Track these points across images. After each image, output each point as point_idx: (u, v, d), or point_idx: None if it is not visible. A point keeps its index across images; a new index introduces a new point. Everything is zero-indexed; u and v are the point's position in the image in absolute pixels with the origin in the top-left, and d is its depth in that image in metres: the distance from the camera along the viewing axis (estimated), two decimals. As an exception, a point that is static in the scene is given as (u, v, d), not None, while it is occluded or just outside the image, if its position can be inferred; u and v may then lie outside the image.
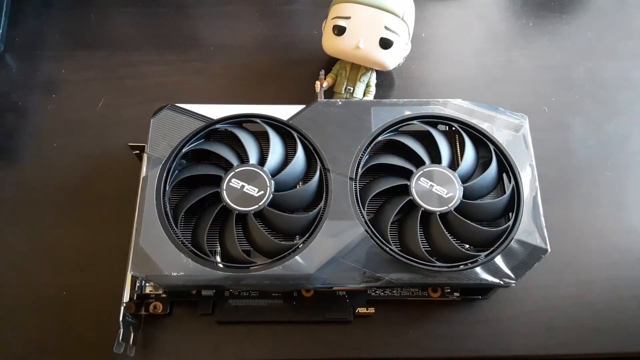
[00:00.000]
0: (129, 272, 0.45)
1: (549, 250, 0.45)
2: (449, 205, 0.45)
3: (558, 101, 0.60)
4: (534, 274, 0.45)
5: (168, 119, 0.48)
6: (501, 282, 0.44)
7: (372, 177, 0.49)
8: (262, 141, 0.49)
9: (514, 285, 0.44)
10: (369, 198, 0.46)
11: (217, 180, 0.46)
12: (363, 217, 0.45)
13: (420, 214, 0.45)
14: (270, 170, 0.47)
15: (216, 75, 0.62)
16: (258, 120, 0.49)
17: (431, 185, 0.46)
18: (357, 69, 0.55)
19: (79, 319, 0.49)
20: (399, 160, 0.48)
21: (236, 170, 0.46)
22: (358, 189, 0.47)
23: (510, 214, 0.46)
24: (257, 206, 0.45)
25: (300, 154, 0.47)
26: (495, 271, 0.44)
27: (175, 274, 0.43)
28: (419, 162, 0.47)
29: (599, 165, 0.57)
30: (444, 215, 0.46)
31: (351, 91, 0.55)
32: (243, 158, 0.48)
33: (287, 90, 0.60)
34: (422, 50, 0.63)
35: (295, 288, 0.48)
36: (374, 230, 0.45)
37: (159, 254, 0.43)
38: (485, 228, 0.45)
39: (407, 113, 0.49)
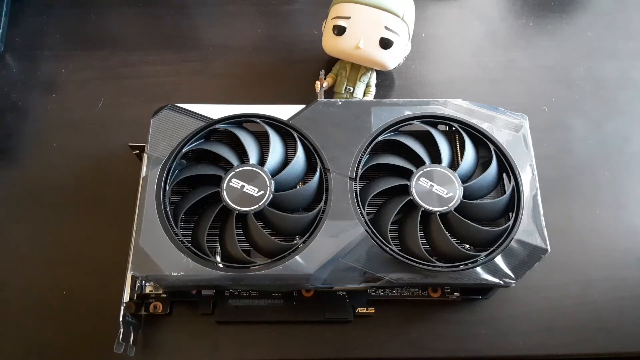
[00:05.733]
0: (129, 272, 0.45)
1: (549, 250, 0.45)
2: (449, 205, 0.45)
3: (558, 101, 0.60)
4: (534, 274, 0.45)
5: (168, 119, 0.48)
6: (501, 282, 0.44)
7: (372, 177, 0.49)
8: (262, 141, 0.49)
9: (514, 285, 0.44)
10: (369, 198, 0.46)
11: (217, 180, 0.46)
12: (363, 217, 0.45)
13: (420, 214, 0.45)
14: (270, 170, 0.47)
15: (216, 75, 0.62)
16: (258, 120, 0.49)
17: (431, 185, 0.46)
18: (357, 69, 0.55)
19: (79, 319, 0.49)
20: (399, 160, 0.48)
21: (236, 170, 0.46)
22: (358, 189, 0.47)
23: (510, 214, 0.46)
24: (257, 206, 0.45)
25: (300, 154, 0.47)
26: (496, 271, 0.44)
27: (175, 274, 0.43)
28: (419, 162, 0.47)
29: (599, 165, 0.57)
30: (444, 215, 0.46)
31: (351, 91, 0.55)
32: (243, 158, 0.48)
33: (287, 90, 0.60)
34: (422, 50, 0.63)
35: (295, 288, 0.48)
36: (374, 230, 0.45)
37: (159, 254, 0.43)
38: (485, 228, 0.45)
39: (407, 113, 0.49)
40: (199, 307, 0.48)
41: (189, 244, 0.45)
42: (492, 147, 0.48)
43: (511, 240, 0.44)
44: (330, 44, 0.54)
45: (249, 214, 0.45)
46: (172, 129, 0.48)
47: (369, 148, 0.48)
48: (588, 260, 0.52)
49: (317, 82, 0.54)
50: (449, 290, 0.49)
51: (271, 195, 0.46)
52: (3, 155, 0.57)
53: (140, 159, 0.51)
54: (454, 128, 0.50)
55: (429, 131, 0.49)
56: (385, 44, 0.52)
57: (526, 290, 0.50)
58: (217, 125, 0.48)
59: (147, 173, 0.46)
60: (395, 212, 0.45)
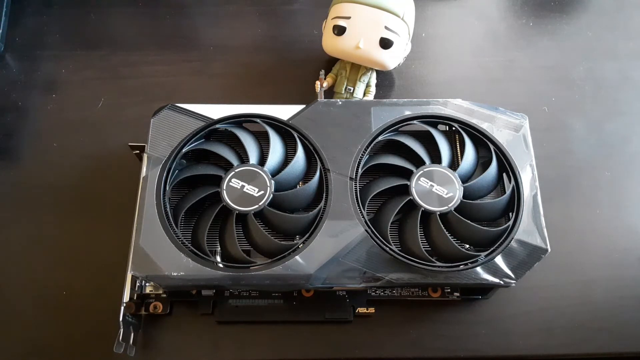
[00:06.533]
0: (129, 272, 0.45)
1: (549, 250, 0.45)
2: (449, 205, 0.45)
3: (558, 101, 0.60)
4: (534, 274, 0.45)
5: (168, 119, 0.48)
6: (501, 282, 0.44)
7: (372, 177, 0.49)
8: (262, 141, 0.49)
9: (514, 285, 0.44)
10: (369, 198, 0.46)
11: (217, 180, 0.46)
12: (363, 217, 0.45)
13: (420, 213, 0.45)
14: (270, 170, 0.47)
15: (216, 75, 0.62)
16: (258, 120, 0.49)
17: (431, 185, 0.46)
18: (357, 69, 0.55)
19: (79, 319, 0.49)
20: (399, 160, 0.48)
21: (236, 170, 0.46)
22: (358, 189, 0.47)
23: (510, 214, 0.46)
24: (257, 206, 0.45)
25: (300, 154, 0.47)
26: (495, 271, 0.44)
27: (175, 274, 0.43)
28: (419, 162, 0.47)
29: (599, 165, 0.57)
30: (444, 215, 0.46)
31: (351, 91, 0.55)
32: (243, 158, 0.48)
33: (287, 90, 0.60)
34: (422, 50, 0.63)
35: (295, 288, 0.48)
36: (374, 230, 0.45)
37: (159, 254, 0.43)
38: (485, 228, 0.45)
39: (407, 113, 0.49)
40: (199, 307, 0.48)
41: (189, 244, 0.45)
42: (492, 147, 0.48)
43: (511, 240, 0.44)
44: (330, 44, 0.54)
45: (249, 214, 0.45)
46: (172, 129, 0.48)
47: (369, 148, 0.48)
48: (588, 260, 0.52)
49: (317, 82, 0.54)
50: (449, 290, 0.49)
51: (271, 195, 0.46)
52: (3, 155, 0.57)
53: (140, 159, 0.51)
54: (454, 128, 0.50)
55: (429, 131, 0.49)
56: (385, 44, 0.52)
57: (526, 290, 0.50)
58: (217, 125, 0.48)
59: (147, 173, 0.46)
60: (395, 212, 0.45)
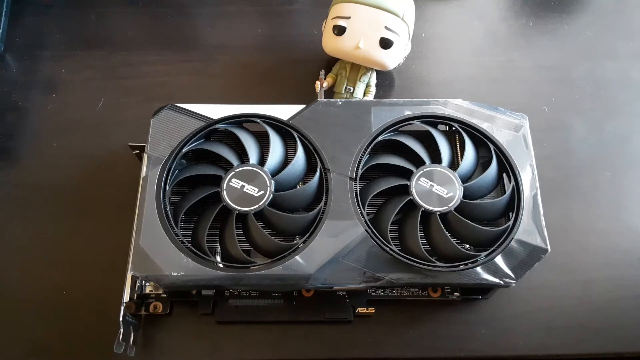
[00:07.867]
0: (129, 272, 0.45)
1: (549, 250, 0.45)
2: (449, 205, 0.46)
3: (558, 101, 0.60)
4: (534, 274, 0.45)
5: (168, 119, 0.48)
6: (501, 282, 0.44)
7: (372, 177, 0.49)
8: (262, 141, 0.49)
9: (514, 285, 0.44)
10: (369, 198, 0.46)
11: (217, 180, 0.46)
12: (363, 217, 0.45)
13: (420, 213, 0.45)
14: (270, 170, 0.47)
15: (216, 75, 0.62)
16: (258, 120, 0.49)
17: (431, 185, 0.46)
18: (357, 69, 0.55)
19: (79, 319, 0.49)
20: (399, 160, 0.48)
21: (236, 170, 0.46)
22: (358, 189, 0.47)
23: (511, 213, 0.46)
24: (257, 206, 0.45)
25: (300, 154, 0.47)
26: (496, 271, 0.44)
27: (175, 274, 0.43)
28: (419, 162, 0.47)
29: (599, 165, 0.57)
30: (444, 215, 0.46)
31: (351, 91, 0.55)
32: (243, 158, 0.48)
33: (287, 90, 0.60)
34: (422, 50, 0.63)
35: (295, 288, 0.48)
36: (374, 230, 0.45)
37: (159, 254, 0.43)
38: (485, 228, 0.45)
39: (407, 113, 0.49)
40: (199, 307, 0.48)
41: (189, 244, 0.45)
42: (492, 147, 0.48)
43: (511, 240, 0.44)
44: (330, 44, 0.54)
45: (249, 214, 0.45)
46: (172, 129, 0.48)
47: (369, 148, 0.48)
48: (588, 260, 0.52)
49: (317, 82, 0.54)
50: (449, 290, 0.49)
51: (271, 195, 0.46)
52: (3, 155, 0.57)
53: (140, 159, 0.51)
54: (454, 128, 0.50)
55: (429, 131, 0.49)
56: (385, 44, 0.52)
57: (526, 290, 0.50)
58: (217, 125, 0.48)
59: (147, 173, 0.46)
60: (395, 212, 0.45)
